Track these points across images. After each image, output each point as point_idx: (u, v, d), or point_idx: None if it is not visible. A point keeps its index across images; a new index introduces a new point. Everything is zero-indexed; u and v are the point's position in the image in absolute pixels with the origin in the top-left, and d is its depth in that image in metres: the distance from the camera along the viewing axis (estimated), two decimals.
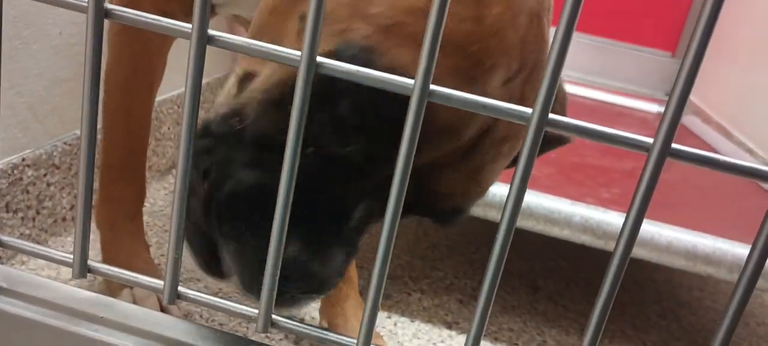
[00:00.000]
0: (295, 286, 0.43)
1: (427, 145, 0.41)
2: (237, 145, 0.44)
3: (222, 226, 0.44)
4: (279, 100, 0.42)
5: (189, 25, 0.32)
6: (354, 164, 0.43)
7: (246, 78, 0.46)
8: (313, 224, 0.42)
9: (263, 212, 0.41)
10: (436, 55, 0.30)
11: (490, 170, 0.48)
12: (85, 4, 0.32)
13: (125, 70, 0.76)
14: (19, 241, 0.41)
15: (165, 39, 0.76)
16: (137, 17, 0.32)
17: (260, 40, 0.39)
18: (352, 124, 0.41)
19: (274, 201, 0.35)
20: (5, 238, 0.42)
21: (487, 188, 0.50)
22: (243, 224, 0.43)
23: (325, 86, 0.37)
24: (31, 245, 0.42)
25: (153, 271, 0.84)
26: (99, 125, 0.83)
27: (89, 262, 0.40)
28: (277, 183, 0.34)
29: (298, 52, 0.32)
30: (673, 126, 0.28)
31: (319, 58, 0.32)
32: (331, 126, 0.41)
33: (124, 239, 0.83)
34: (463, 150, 0.45)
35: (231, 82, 0.47)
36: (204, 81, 0.31)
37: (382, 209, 0.37)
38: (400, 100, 0.32)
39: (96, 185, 0.99)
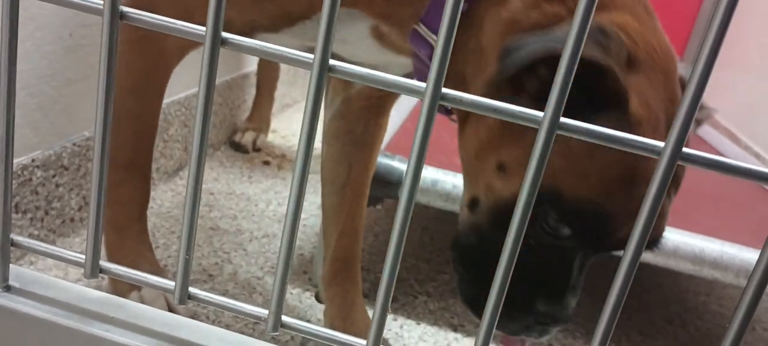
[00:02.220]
0: (548, 323, 0.63)
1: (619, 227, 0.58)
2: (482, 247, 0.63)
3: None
4: (501, 219, 0.59)
5: (203, 28, 0.32)
6: (565, 248, 0.61)
7: (474, 203, 0.63)
8: (547, 289, 0.62)
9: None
10: (448, 61, 0.30)
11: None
12: (101, 7, 0.33)
13: (136, 76, 0.77)
14: (33, 241, 0.42)
15: (183, 50, 0.77)
16: (152, 20, 0.33)
17: (467, 176, 0.65)
18: (558, 230, 0.58)
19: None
20: (18, 238, 0.42)
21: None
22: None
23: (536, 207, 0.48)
24: (44, 245, 0.42)
25: (158, 272, 0.84)
26: None
27: (101, 262, 0.41)
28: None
29: (311, 56, 0.32)
30: (685, 130, 0.28)
31: (331, 62, 0.32)
32: (545, 230, 0.59)
33: (130, 241, 0.84)
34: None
35: (464, 207, 0.65)
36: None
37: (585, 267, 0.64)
38: (585, 212, 0.56)
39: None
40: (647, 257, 0.90)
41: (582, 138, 0.30)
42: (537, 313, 0.62)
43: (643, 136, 0.54)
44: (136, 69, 0.76)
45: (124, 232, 0.83)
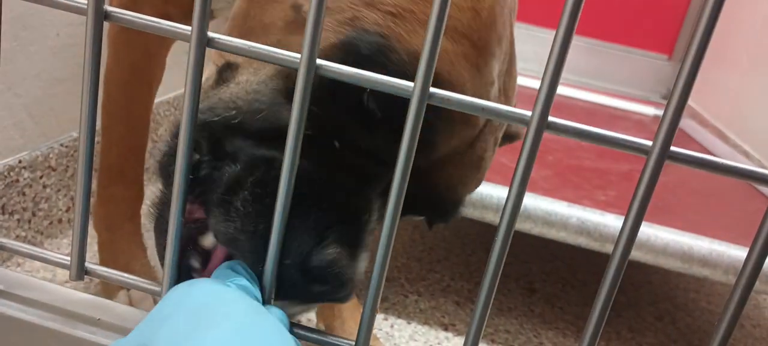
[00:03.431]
0: (327, 289, 0.40)
1: (445, 135, 0.42)
2: (240, 138, 0.42)
3: (244, 222, 0.39)
4: (285, 89, 0.41)
5: (188, 28, 0.32)
6: (377, 159, 0.41)
7: (227, 68, 0.44)
8: (343, 226, 0.40)
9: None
10: (436, 61, 0.30)
11: (488, 158, 0.49)
12: (85, 7, 0.32)
13: (124, 70, 0.76)
14: (17, 243, 0.41)
15: (164, 39, 0.76)
16: (138, 19, 0.32)
17: (242, 27, 0.43)
18: (374, 115, 0.40)
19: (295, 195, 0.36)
20: (3, 240, 0.42)
21: (484, 176, 0.50)
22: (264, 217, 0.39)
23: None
24: (29, 247, 0.41)
25: (150, 273, 0.84)
26: (97, 126, 0.83)
27: (86, 264, 0.40)
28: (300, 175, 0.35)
29: (297, 55, 0.32)
30: (672, 129, 0.28)
31: (318, 60, 0.32)
32: (355, 117, 0.40)
33: (122, 241, 0.83)
34: (470, 140, 0.45)
35: (209, 73, 0.46)
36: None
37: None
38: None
39: (94, 186, 0.98)
40: (637, 254, 0.90)
41: (570, 137, 0.30)
42: (305, 268, 0.39)
43: None
44: (124, 62, 0.76)
45: (116, 231, 0.83)
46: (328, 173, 0.39)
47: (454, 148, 0.44)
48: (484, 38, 0.42)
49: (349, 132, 0.41)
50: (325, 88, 0.38)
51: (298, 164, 0.36)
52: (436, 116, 0.38)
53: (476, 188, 0.50)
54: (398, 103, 0.33)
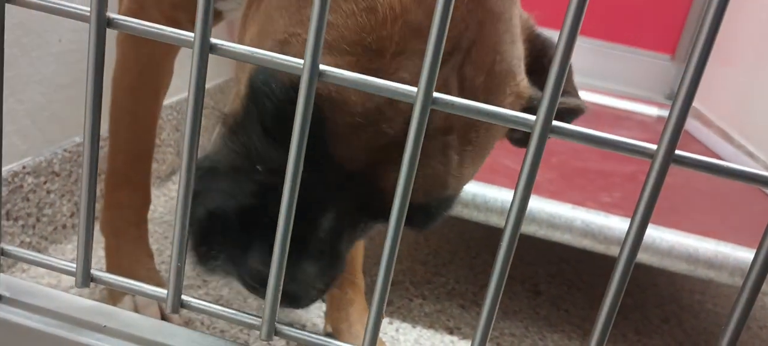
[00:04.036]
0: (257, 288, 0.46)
1: (341, 141, 0.43)
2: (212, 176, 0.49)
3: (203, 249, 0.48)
4: (233, 127, 0.47)
5: (191, 34, 0.32)
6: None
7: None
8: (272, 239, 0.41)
9: (239, 232, 0.47)
10: (439, 65, 0.30)
11: (443, 163, 0.45)
12: (88, 14, 0.32)
13: (132, 75, 0.76)
14: (22, 250, 0.41)
15: (171, 45, 0.76)
16: (140, 26, 0.32)
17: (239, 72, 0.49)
18: (276, 134, 0.44)
19: (240, 221, 0.45)
20: (7, 247, 0.42)
21: (450, 183, 0.47)
22: (220, 247, 0.48)
23: (258, 102, 0.43)
24: (34, 254, 0.41)
25: (156, 278, 0.84)
26: (103, 131, 0.83)
27: (92, 271, 0.40)
28: (237, 203, 0.45)
29: (300, 61, 0.32)
30: (677, 132, 0.28)
31: (322, 66, 0.32)
32: (267, 140, 0.45)
33: (128, 246, 0.83)
34: (398, 144, 0.41)
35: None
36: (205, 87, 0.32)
37: (352, 219, 0.46)
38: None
39: (100, 190, 0.98)
40: (642, 256, 0.90)
41: (574, 141, 0.30)
42: (247, 269, 0.46)
43: None
44: (132, 68, 0.76)
45: (122, 237, 0.83)
46: (250, 195, 0.45)
47: (381, 153, 0.43)
48: (385, 36, 0.40)
49: (263, 152, 0.46)
50: (246, 116, 0.46)
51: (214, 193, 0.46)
52: (320, 128, 0.41)
53: (444, 193, 0.47)
54: (286, 117, 0.37)
